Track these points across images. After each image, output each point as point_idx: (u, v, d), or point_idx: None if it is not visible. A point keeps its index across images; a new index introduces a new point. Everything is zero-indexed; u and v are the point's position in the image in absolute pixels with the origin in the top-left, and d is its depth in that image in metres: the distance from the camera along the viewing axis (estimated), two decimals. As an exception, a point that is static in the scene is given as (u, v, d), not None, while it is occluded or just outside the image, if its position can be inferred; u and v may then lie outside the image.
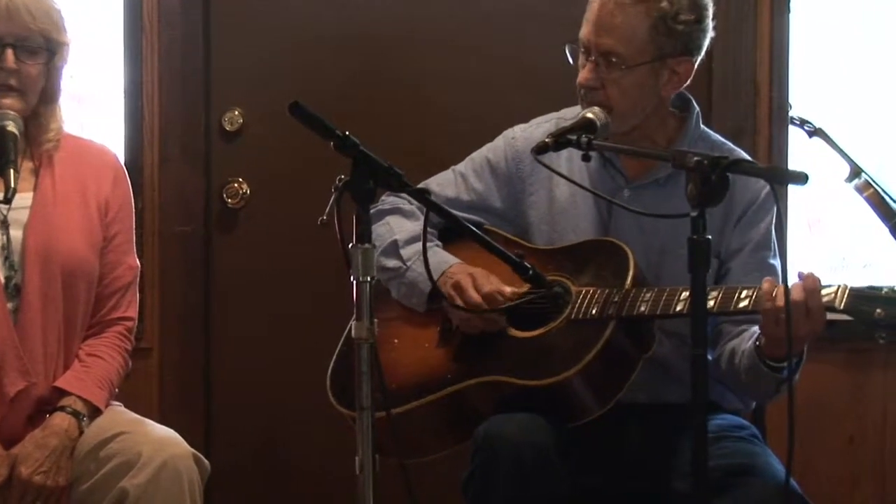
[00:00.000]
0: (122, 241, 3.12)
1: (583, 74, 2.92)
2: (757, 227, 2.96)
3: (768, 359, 2.78)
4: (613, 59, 2.87)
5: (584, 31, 2.92)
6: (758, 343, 2.80)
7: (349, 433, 2.49)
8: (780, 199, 2.56)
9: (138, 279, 3.17)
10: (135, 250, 3.17)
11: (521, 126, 3.18)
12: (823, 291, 2.65)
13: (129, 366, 3.14)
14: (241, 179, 4.02)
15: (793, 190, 3.75)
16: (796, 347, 2.71)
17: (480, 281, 2.94)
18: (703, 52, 2.96)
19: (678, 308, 2.75)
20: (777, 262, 2.96)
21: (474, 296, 2.92)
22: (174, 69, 3.97)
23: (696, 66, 2.96)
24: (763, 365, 2.78)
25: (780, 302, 2.64)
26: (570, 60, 2.97)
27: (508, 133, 3.18)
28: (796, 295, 2.64)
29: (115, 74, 3.98)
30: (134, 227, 3.17)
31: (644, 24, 2.87)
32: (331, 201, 2.36)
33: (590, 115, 2.86)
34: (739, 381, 2.91)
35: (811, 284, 2.66)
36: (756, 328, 2.81)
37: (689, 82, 2.98)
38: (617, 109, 2.90)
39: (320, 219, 2.36)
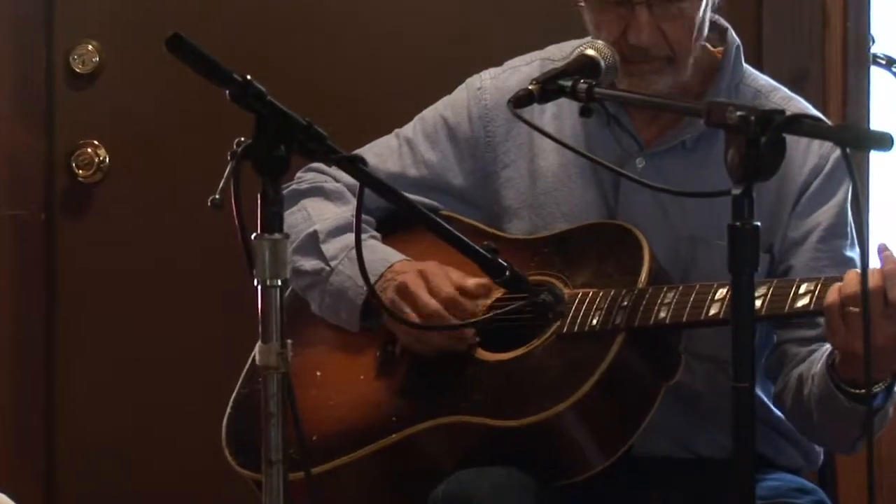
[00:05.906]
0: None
1: (640, 34, 2.90)
2: (825, 208, 2.99)
3: (845, 384, 2.77)
4: None
5: None
6: (831, 362, 2.80)
7: (253, 502, 2.49)
8: (856, 170, 2.54)
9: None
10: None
11: (492, 71, 3.19)
12: (911, 282, 2.66)
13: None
14: (96, 143, 4.04)
15: (875, 157, 3.81)
16: (879, 364, 2.67)
17: (436, 280, 2.94)
18: None
19: (712, 312, 2.77)
20: (856, 255, 2.98)
21: (429, 302, 2.92)
22: (3, -11, 4.03)
23: None
24: (839, 391, 2.78)
25: (850, 290, 2.64)
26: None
27: (473, 81, 3.19)
28: (871, 283, 2.61)
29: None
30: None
31: None
32: (226, 174, 2.33)
33: (590, 51, 2.87)
34: (811, 422, 2.90)
35: (893, 269, 2.65)
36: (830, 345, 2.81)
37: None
38: (680, 55, 2.95)
39: (211, 198, 2.32)
